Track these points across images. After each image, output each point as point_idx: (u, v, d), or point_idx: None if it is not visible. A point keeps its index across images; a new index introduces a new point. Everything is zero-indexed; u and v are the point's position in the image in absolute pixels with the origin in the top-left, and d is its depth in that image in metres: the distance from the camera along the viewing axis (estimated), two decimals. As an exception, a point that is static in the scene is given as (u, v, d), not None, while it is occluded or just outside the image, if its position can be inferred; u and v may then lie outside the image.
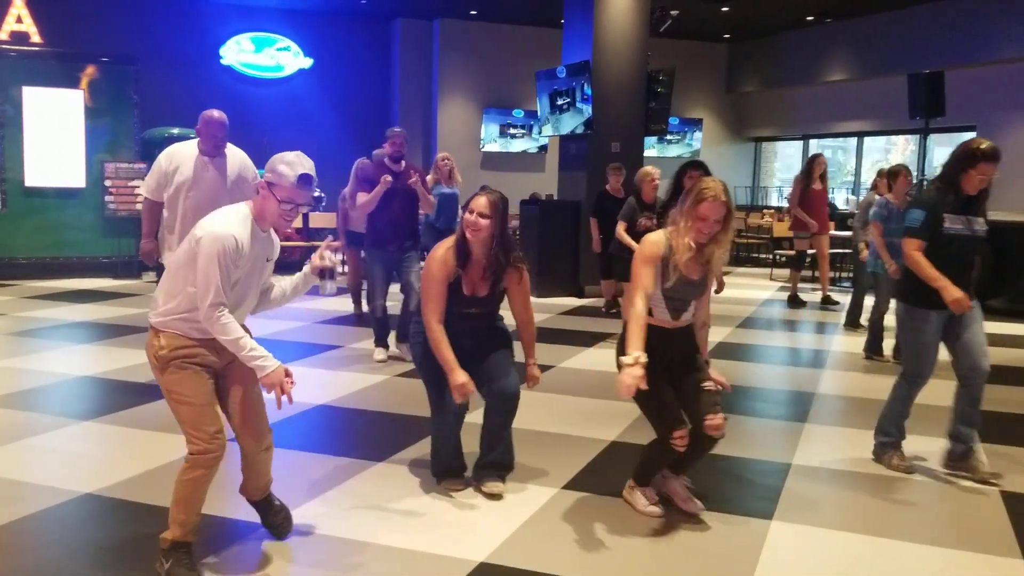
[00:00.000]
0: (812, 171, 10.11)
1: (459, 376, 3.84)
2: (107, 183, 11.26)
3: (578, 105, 10.84)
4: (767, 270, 14.26)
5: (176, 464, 4.36)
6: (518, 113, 16.79)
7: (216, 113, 5.43)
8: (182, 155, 5.45)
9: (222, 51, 15.50)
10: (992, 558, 3.57)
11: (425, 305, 3.95)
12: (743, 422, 5.54)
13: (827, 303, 10.34)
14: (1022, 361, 7.58)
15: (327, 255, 3.40)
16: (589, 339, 8.09)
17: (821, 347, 8.05)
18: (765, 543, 3.65)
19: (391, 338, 7.03)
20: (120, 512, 3.82)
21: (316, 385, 6.00)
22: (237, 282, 3.16)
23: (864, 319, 8.15)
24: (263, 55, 15.80)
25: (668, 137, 17.49)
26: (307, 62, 16.09)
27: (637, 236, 7.74)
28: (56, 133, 11.10)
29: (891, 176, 7.40)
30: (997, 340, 8.16)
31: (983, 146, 4.32)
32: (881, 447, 4.74)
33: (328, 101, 16.07)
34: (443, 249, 3.98)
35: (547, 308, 9.81)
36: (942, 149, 17.63)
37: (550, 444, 4.88)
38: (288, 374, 3.13)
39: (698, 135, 18.69)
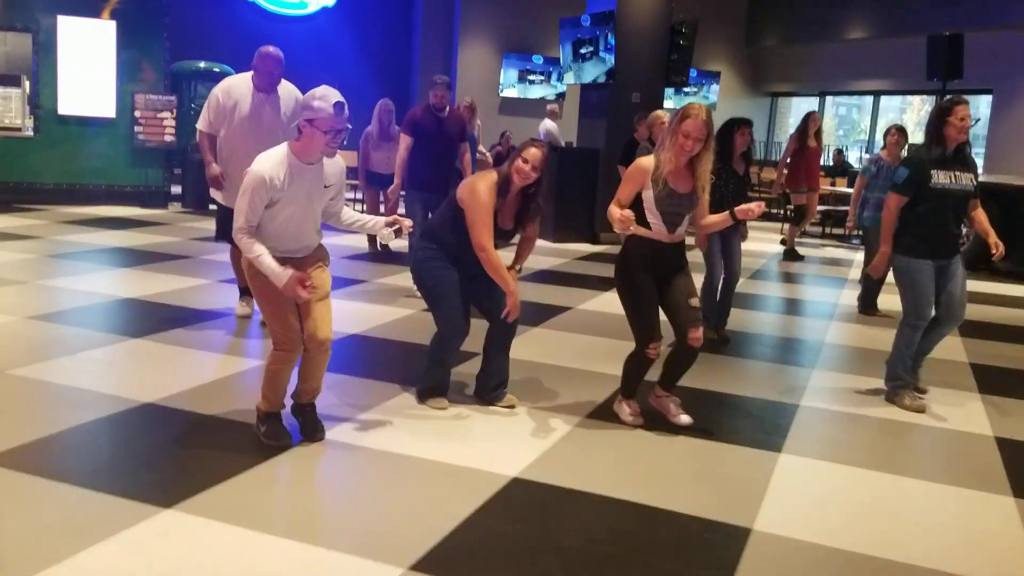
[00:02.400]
0: (807, 128, 10.29)
1: (514, 286, 4.30)
2: (136, 114, 11.46)
3: (601, 54, 10.97)
4: (779, 224, 14.48)
5: (224, 381, 4.76)
6: (537, 59, 16.86)
7: (272, 49, 5.56)
8: (239, 90, 5.57)
9: (247, -14, 15.56)
10: (986, 495, 3.88)
11: (480, 231, 4.24)
12: (754, 366, 5.86)
13: (790, 256, 10.66)
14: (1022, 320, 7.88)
15: (403, 225, 4.05)
16: (605, 284, 8.37)
17: (828, 300, 8.34)
18: (774, 472, 3.97)
19: (400, 272, 7.38)
20: (177, 420, 4.15)
21: (348, 316, 6.31)
22: (285, 209, 3.69)
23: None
24: (287, -9, 15.85)
25: (685, 89, 17.53)
26: (330, 0, 16.13)
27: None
28: (89, 62, 11.26)
29: (886, 135, 7.80)
30: (1005, 301, 8.46)
31: (952, 96, 4.85)
32: (893, 391, 5.06)
33: (350, 40, 16.15)
34: (488, 182, 4.28)
35: (563, 253, 10.09)
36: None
37: (572, 378, 5.19)
38: (302, 280, 3.59)
39: (715, 88, 18.75)
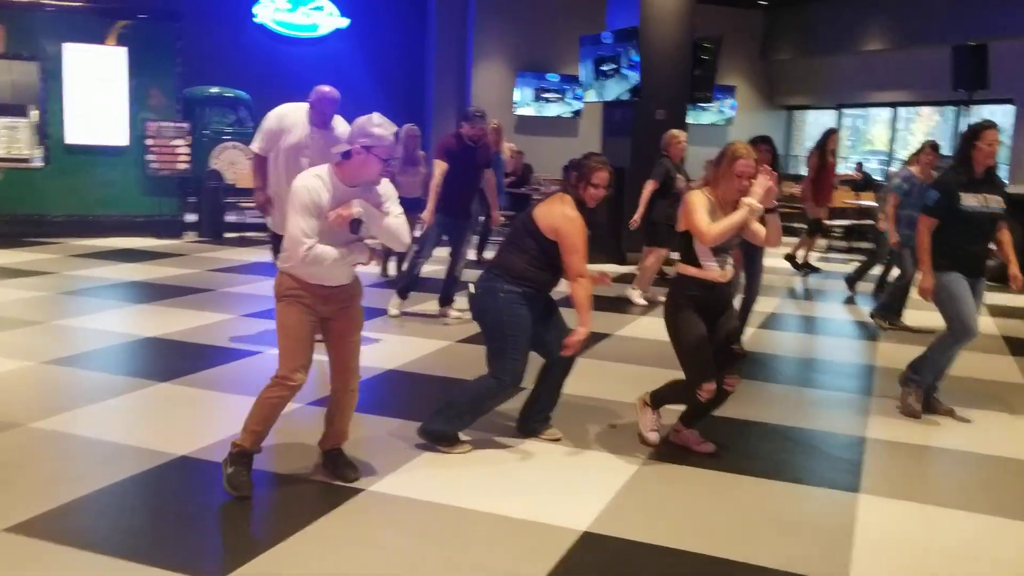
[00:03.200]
0: (827, 144, 10.17)
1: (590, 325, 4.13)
2: (149, 142, 11.24)
3: (623, 71, 10.74)
4: (797, 239, 14.21)
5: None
6: (552, 77, 16.66)
7: (327, 89, 5.62)
8: (293, 120, 5.64)
9: (256, 9, 15.39)
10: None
11: (583, 259, 4.11)
12: (806, 393, 5.57)
13: (790, 260, 10.61)
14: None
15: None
16: (640, 308, 8.10)
17: (862, 318, 8.03)
18: (856, 516, 3.68)
19: (424, 302, 7.26)
20: (217, 474, 3.84)
21: (380, 351, 6.03)
22: (324, 234, 3.53)
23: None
24: (298, 14, 15.69)
25: (702, 104, 17.33)
26: (343, 22, 15.98)
27: (673, 199, 7.80)
28: (99, 90, 11.06)
29: (919, 151, 7.61)
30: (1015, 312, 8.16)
31: (981, 120, 4.90)
32: (908, 381, 5.06)
33: (363, 62, 15.97)
34: (572, 209, 4.12)
35: (590, 275, 9.80)
36: (964, 120, 17.42)
37: (625, 413, 4.89)
38: (344, 218, 3.51)
39: (731, 102, 18.51)
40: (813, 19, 17.71)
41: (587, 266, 4.13)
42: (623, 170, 10.78)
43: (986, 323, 7.24)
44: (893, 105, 17.73)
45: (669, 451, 4.36)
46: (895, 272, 7.95)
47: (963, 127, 16.41)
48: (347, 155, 3.56)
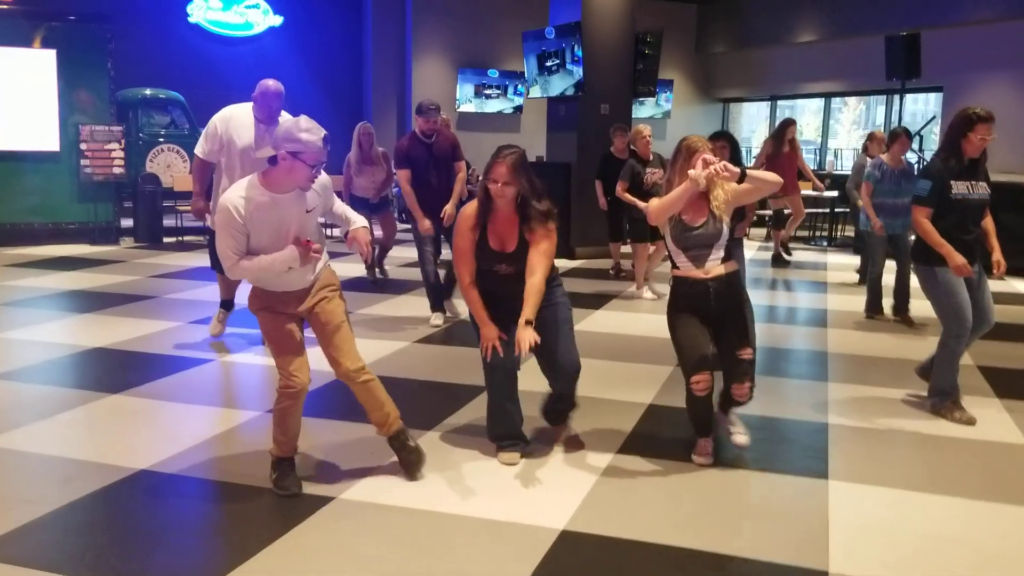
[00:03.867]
0: (783, 135, 10.27)
1: (489, 331, 3.89)
2: (82, 146, 10.87)
3: (568, 67, 10.75)
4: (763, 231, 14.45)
5: (223, 437, 4.38)
6: (493, 73, 16.61)
7: (272, 83, 5.52)
8: (239, 121, 5.52)
9: (189, 8, 15.02)
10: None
11: (456, 262, 4.04)
12: (766, 381, 5.64)
13: (777, 262, 10.60)
14: (1014, 317, 7.81)
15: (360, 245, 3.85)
16: (594, 301, 8.12)
17: (818, 305, 8.18)
18: (829, 502, 3.72)
19: (380, 303, 7.23)
20: (179, 488, 3.75)
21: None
22: (259, 243, 3.54)
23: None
24: (231, 12, 15.35)
25: (642, 99, 17.46)
26: (277, 20, 15.69)
27: (645, 194, 7.83)
28: (27, 94, 10.66)
29: (891, 139, 7.53)
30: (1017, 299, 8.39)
31: (978, 110, 4.68)
32: (940, 403, 4.90)
33: (300, 60, 15.71)
34: (470, 207, 4.01)
35: (540, 271, 9.79)
36: (908, 109, 17.88)
37: (592, 408, 4.87)
38: (305, 245, 3.54)
39: (668, 96, 18.70)
40: (746, 12, 17.97)
41: (462, 269, 3.99)
42: (569, 165, 10.82)
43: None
44: (826, 96, 18.09)
45: (639, 443, 4.36)
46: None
47: (896, 117, 16.88)
48: (273, 161, 3.48)
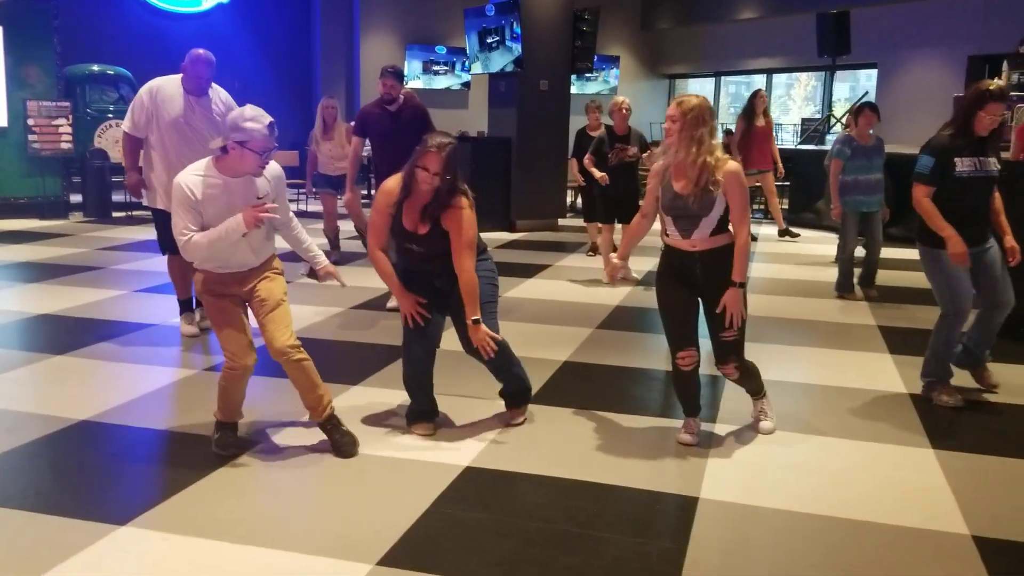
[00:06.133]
0: (755, 108, 10.16)
1: (406, 300, 4.01)
2: (30, 122, 10.98)
3: (507, 43, 11.06)
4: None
5: (161, 392, 4.69)
6: (440, 50, 16.82)
7: (202, 52, 5.36)
8: (167, 93, 5.37)
9: (135, -17, 15.05)
10: (907, 448, 4.14)
11: (369, 233, 4.10)
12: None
13: (786, 235, 10.76)
14: (916, 282, 8.30)
15: (333, 277, 4.09)
16: (527, 271, 8.49)
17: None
18: (712, 443, 4.13)
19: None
20: (117, 435, 4.08)
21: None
22: (211, 225, 3.64)
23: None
24: (178, -12, 15.39)
25: (588, 75, 17.79)
26: (225, -4, 15.76)
27: (612, 169, 7.44)
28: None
29: (856, 113, 7.35)
30: (898, 264, 8.91)
31: (991, 87, 4.40)
32: (929, 386, 4.78)
33: (248, 37, 15.79)
34: (392, 182, 4.01)
35: (481, 242, 10.12)
36: (842, 84, 18.42)
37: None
38: (255, 210, 3.63)
39: (616, 72, 19.05)
40: (690, -11, 18.34)
41: (371, 238, 4.06)
42: (510, 140, 11.15)
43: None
44: (768, 72, 18.58)
45: (544, 394, 4.73)
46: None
47: (834, 93, 17.41)
48: (224, 150, 3.64)
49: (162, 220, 5.44)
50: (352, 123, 6.50)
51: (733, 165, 3.81)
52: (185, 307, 5.84)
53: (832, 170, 7.18)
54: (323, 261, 4.09)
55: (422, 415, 4.21)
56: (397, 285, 4.07)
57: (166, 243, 5.53)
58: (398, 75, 6.29)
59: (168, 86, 5.42)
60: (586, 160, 7.67)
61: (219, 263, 3.75)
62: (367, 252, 4.27)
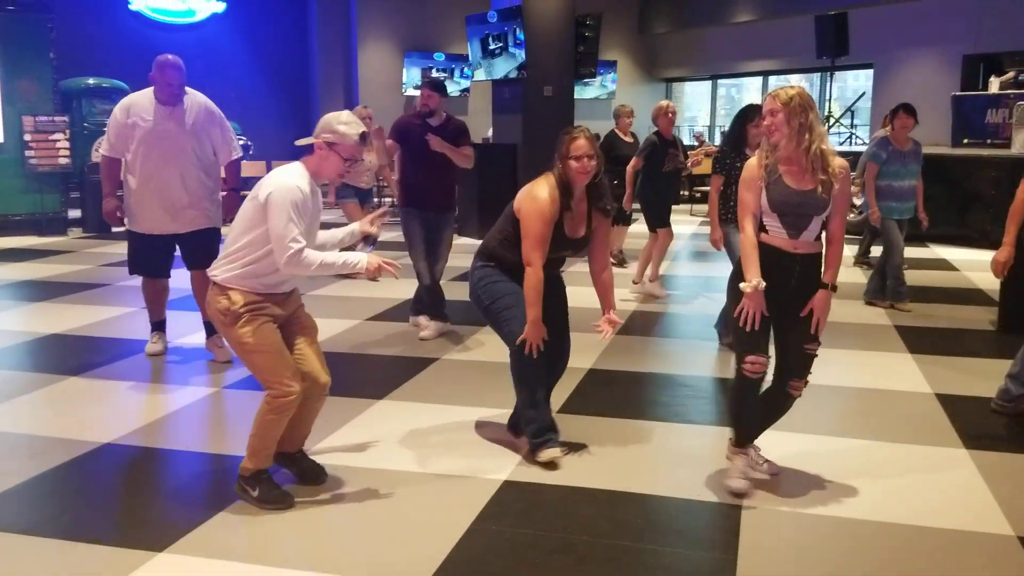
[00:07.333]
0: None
1: (538, 330, 3.78)
2: (27, 137, 10.86)
3: (511, 49, 11.00)
4: (687, 206, 14.84)
5: (184, 412, 4.57)
6: (439, 56, 16.77)
7: (170, 57, 5.07)
8: (139, 106, 5.11)
9: (130, -5, 14.96)
10: (942, 449, 4.08)
11: (533, 244, 3.76)
12: (677, 344, 5.99)
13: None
14: (924, 281, 8.26)
15: (376, 225, 3.74)
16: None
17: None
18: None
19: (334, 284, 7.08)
20: (144, 458, 3.97)
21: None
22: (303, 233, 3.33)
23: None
24: (173, -1, 15.32)
25: (585, 80, 17.75)
26: (220, 6, 15.67)
27: (667, 175, 7.35)
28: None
29: (892, 114, 6.91)
30: (936, 264, 8.87)
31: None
32: (1007, 392, 4.53)
33: (244, 46, 15.74)
34: (547, 189, 3.77)
35: (488, 250, 10.05)
36: (832, 85, 18.41)
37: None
38: (382, 263, 3.43)
39: (613, 76, 19.02)
40: (687, -7, 18.33)
41: (537, 255, 3.75)
42: (515, 146, 11.08)
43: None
44: (764, 74, 18.57)
45: (572, 404, 4.67)
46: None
47: (830, 93, 17.40)
48: (309, 149, 3.43)
49: (140, 242, 5.32)
50: (388, 139, 6.25)
51: (845, 162, 3.49)
52: (157, 327, 5.67)
53: (868, 173, 6.77)
54: (351, 231, 3.75)
55: (550, 440, 3.88)
56: (539, 311, 3.78)
57: (138, 264, 5.44)
58: (436, 86, 5.92)
59: (141, 100, 5.15)
60: (635, 164, 7.52)
61: (276, 281, 3.42)
62: (528, 273, 3.76)
